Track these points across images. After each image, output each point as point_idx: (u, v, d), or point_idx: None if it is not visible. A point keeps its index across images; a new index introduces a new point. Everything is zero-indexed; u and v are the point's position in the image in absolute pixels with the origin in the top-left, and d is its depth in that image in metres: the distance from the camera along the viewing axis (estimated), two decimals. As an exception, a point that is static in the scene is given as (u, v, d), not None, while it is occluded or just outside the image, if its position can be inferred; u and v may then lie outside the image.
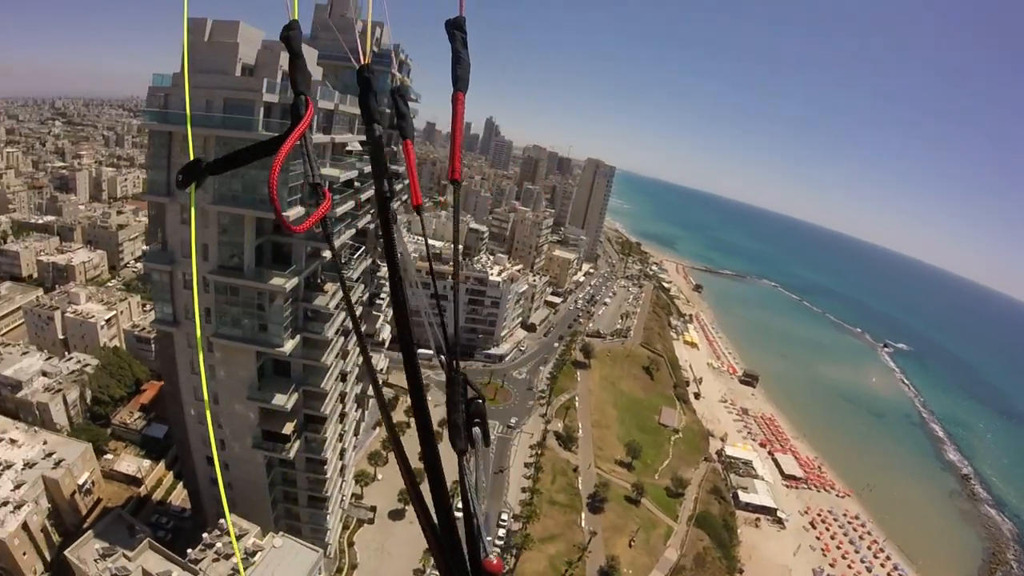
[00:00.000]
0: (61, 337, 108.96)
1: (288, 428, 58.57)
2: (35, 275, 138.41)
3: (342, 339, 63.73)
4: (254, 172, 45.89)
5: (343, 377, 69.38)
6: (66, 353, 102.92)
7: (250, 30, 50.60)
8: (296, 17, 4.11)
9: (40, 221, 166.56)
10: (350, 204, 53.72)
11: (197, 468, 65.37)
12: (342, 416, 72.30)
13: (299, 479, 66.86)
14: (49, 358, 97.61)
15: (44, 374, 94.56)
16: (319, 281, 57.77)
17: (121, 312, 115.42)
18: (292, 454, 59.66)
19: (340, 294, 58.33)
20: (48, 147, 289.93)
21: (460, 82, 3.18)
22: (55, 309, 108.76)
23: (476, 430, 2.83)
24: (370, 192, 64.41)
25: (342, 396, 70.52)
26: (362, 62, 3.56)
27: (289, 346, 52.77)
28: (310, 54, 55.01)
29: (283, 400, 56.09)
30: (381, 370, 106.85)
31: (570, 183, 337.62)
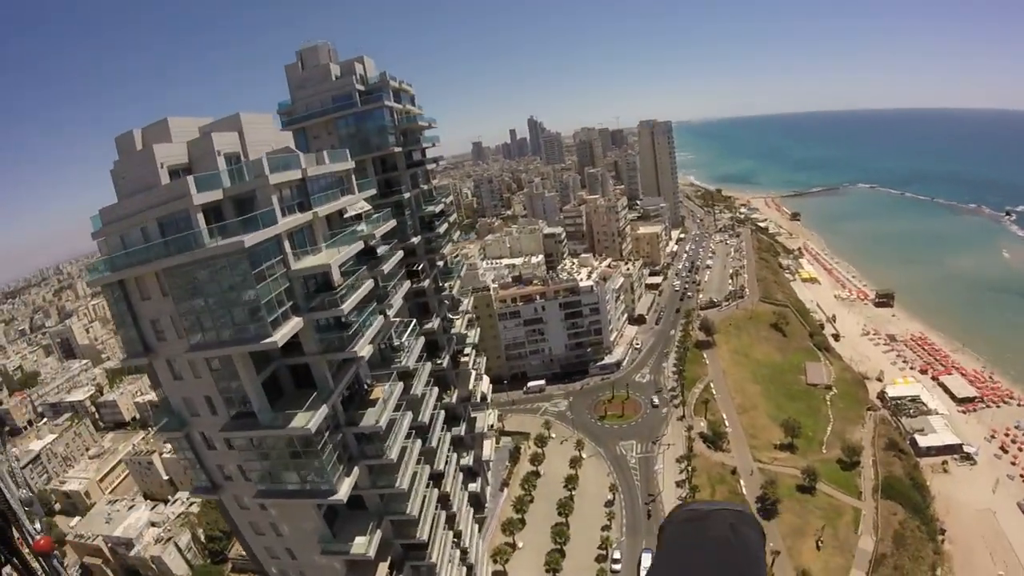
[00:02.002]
0: (165, 478, 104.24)
1: (381, 572, 45.47)
2: (137, 416, 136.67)
3: (419, 442, 50.29)
4: (226, 294, 33.11)
5: (437, 479, 56.09)
6: (170, 497, 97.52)
7: (184, 121, 38.95)
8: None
9: (132, 364, 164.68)
10: (367, 285, 39.98)
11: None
12: (451, 519, 58.90)
13: (420, 609, 53.96)
14: (154, 506, 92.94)
15: (152, 524, 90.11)
16: (366, 388, 44.48)
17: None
18: (396, 600, 46.69)
19: (397, 393, 44.84)
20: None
21: None
22: (151, 453, 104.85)
23: None
24: (398, 256, 50.71)
25: (444, 499, 57.25)
26: None
27: (345, 488, 39.54)
28: (264, 120, 42.21)
29: (364, 545, 43.07)
30: (491, 426, 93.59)
31: (630, 154, 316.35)
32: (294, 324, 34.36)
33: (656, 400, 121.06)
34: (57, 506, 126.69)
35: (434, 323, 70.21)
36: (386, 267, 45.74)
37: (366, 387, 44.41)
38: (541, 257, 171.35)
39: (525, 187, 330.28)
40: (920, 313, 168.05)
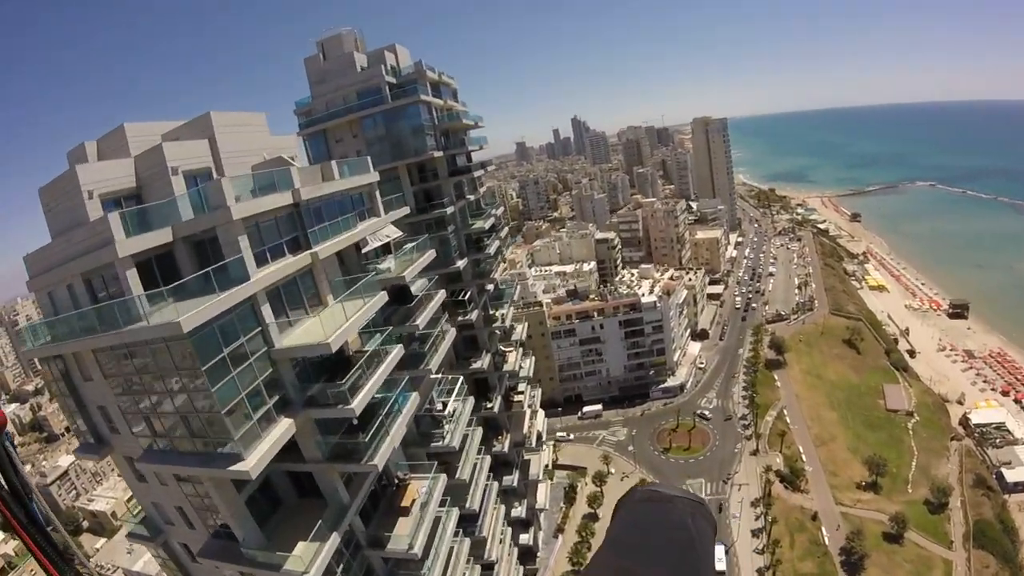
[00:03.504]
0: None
1: None
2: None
3: (467, 540, 37.79)
4: (173, 395, 20.91)
5: (488, 566, 43.72)
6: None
7: (145, 128, 27.88)
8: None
9: (86, 458, 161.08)
10: (394, 355, 27.36)
11: None
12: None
13: None
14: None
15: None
16: (396, 483, 32.13)
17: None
18: None
19: (439, 492, 32.28)
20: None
21: None
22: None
23: None
24: (439, 297, 37.94)
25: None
26: None
27: (368, 635, 27.42)
28: (250, 121, 30.28)
29: None
30: (546, 466, 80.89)
31: (680, 152, 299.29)
32: (281, 431, 22.03)
33: (708, 413, 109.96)
34: (85, 524, 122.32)
35: (483, 361, 57.83)
36: (422, 317, 33.12)
37: (396, 482, 32.06)
38: (593, 264, 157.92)
39: (572, 188, 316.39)
40: (997, 325, 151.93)
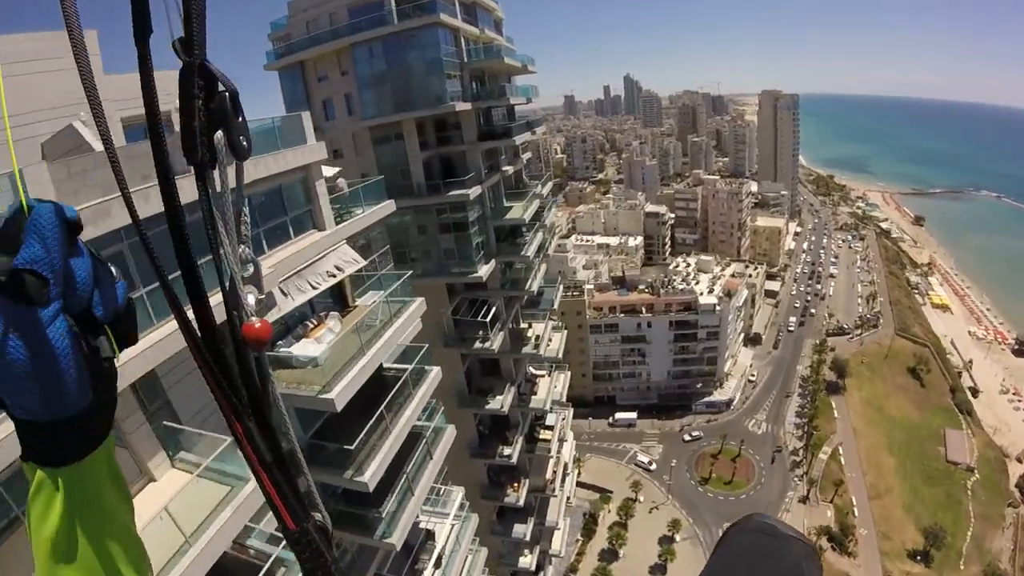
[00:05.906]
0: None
1: None
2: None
3: None
4: None
5: None
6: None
7: None
8: None
9: None
10: None
11: None
12: None
13: None
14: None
15: None
16: None
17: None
18: None
19: None
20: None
21: None
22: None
23: (219, 135, 1.25)
24: (433, 381, 20.64)
25: None
26: None
27: None
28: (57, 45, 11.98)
29: None
30: (567, 499, 64.96)
31: (739, 124, 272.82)
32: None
33: (696, 434, 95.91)
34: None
35: (506, 399, 41.28)
36: (371, 469, 15.60)
37: None
38: (640, 240, 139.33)
39: (621, 149, 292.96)
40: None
